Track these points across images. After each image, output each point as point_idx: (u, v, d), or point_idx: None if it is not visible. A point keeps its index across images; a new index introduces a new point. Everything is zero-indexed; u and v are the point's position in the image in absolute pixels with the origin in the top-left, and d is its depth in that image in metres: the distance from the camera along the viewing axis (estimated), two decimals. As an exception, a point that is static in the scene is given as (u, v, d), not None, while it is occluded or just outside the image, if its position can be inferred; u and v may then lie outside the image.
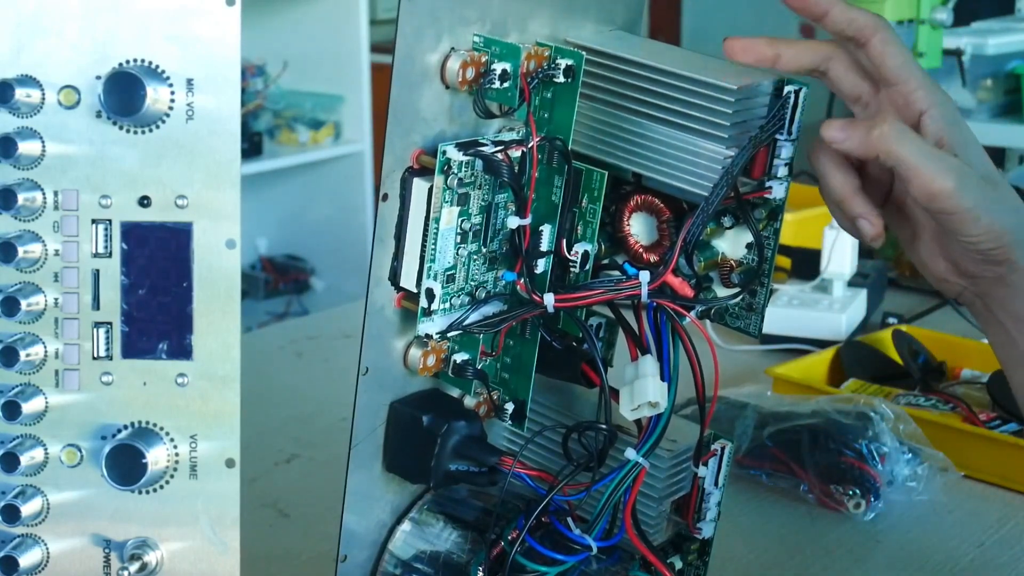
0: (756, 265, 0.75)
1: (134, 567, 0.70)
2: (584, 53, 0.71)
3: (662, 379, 0.70)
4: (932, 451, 1.07)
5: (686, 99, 0.71)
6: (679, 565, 0.79)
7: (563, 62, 0.70)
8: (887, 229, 0.74)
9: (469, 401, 0.75)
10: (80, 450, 0.70)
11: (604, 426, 0.71)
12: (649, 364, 0.70)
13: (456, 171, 0.68)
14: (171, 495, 0.70)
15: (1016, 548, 0.99)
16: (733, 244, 0.76)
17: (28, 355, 0.68)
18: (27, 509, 0.69)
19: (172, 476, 0.70)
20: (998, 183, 0.71)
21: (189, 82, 0.67)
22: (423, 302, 0.69)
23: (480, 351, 0.73)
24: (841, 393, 1.20)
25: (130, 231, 0.68)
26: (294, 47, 3.26)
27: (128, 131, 0.67)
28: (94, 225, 0.68)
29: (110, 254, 0.68)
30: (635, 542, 0.73)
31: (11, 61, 0.67)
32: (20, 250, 0.67)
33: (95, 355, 0.69)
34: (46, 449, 0.70)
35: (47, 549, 0.70)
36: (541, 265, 0.71)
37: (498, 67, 0.68)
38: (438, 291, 0.69)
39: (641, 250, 0.76)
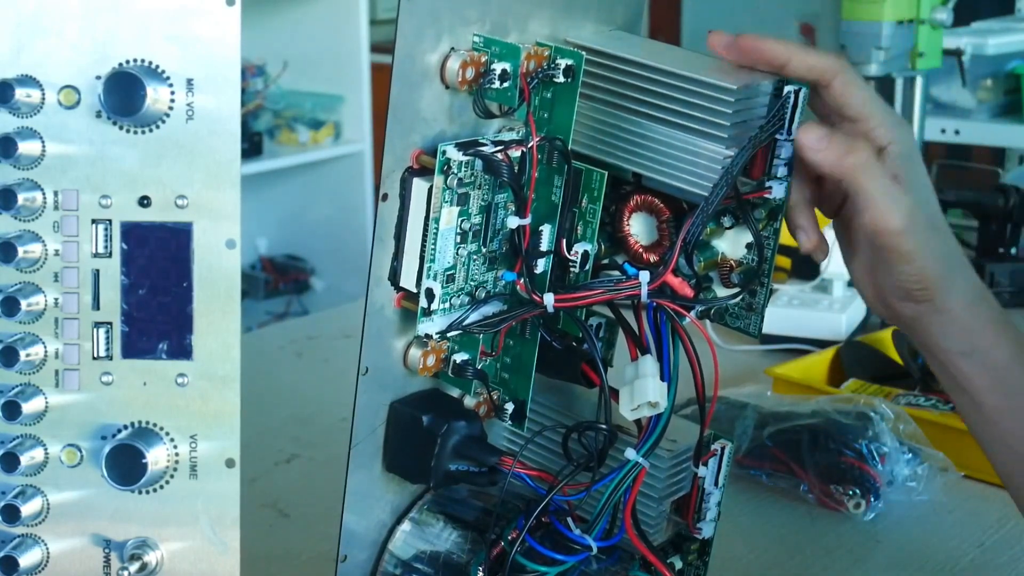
0: (756, 265, 0.75)
1: (134, 567, 0.70)
2: (584, 53, 0.71)
3: (662, 379, 0.70)
4: (932, 451, 1.07)
5: (686, 99, 0.71)
6: (679, 565, 0.79)
7: (563, 62, 0.70)
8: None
9: (469, 401, 0.75)
10: (80, 450, 0.70)
11: (604, 426, 0.71)
12: (649, 364, 0.70)
13: (456, 171, 0.68)
14: (171, 495, 0.70)
15: (1016, 548, 0.99)
16: (733, 244, 0.76)
17: (28, 355, 0.68)
18: (27, 509, 0.69)
19: (172, 476, 0.70)
20: (939, 228, 0.74)
21: (189, 82, 0.67)
22: (423, 302, 0.69)
23: (480, 351, 0.73)
24: (841, 393, 1.20)
25: (130, 231, 0.68)
26: (294, 47, 3.26)
27: (128, 131, 0.67)
28: (94, 225, 0.68)
29: (110, 254, 0.68)
30: (635, 542, 0.73)
31: (11, 61, 0.67)
32: (20, 250, 0.67)
33: (95, 355, 0.69)
34: (46, 449, 0.70)
35: (47, 549, 0.70)
36: (541, 265, 0.71)
37: (498, 67, 0.68)
38: (438, 291, 0.69)
39: (641, 250, 0.76)
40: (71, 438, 0.70)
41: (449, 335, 0.71)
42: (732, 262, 0.76)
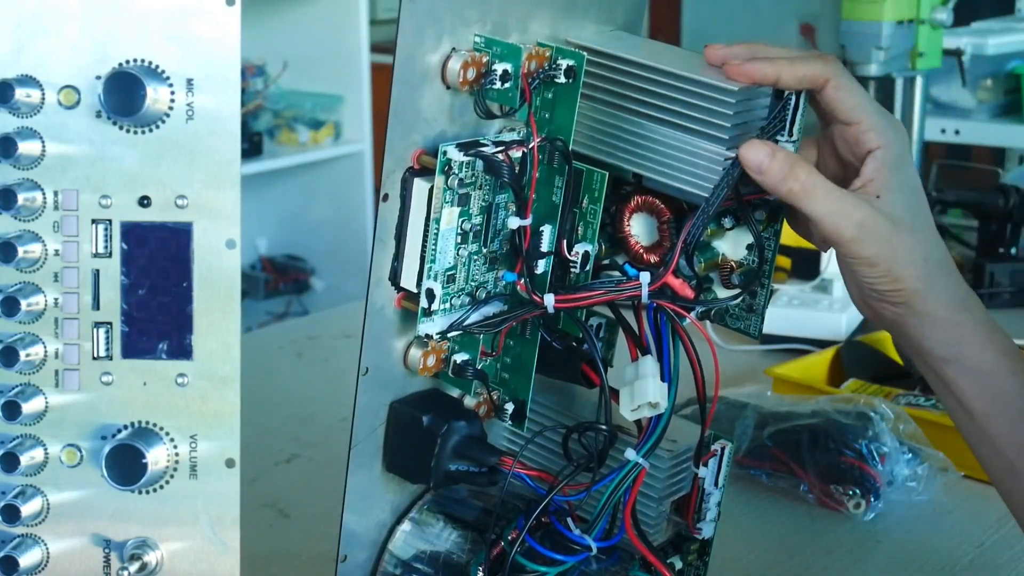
0: (756, 266, 0.75)
1: (134, 567, 0.70)
2: (585, 53, 0.71)
3: (662, 379, 0.70)
4: (932, 451, 1.07)
5: (687, 100, 0.71)
6: (679, 565, 0.79)
7: (564, 62, 0.70)
8: None
9: (469, 401, 0.75)
10: (80, 450, 0.70)
11: (604, 426, 0.71)
12: (649, 364, 0.70)
13: (457, 171, 0.68)
14: (171, 495, 0.70)
15: (1016, 548, 0.99)
16: (733, 245, 0.76)
17: (28, 355, 0.68)
18: (27, 509, 0.69)
19: (172, 476, 0.70)
20: (919, 230, 0.73)
21: (189, 82, 0.67)
22: (423, 302, 0.69)
23: (480, 351, 0.73)
24: (841, 393, 1.20)
25: (130, 231, 0.68)
26: (294, 47, 3.26)
27: (128, 131, 0.67)
28: (94, 225, 0.68)
29: (110, 254, 0.68)
30: (635, 542, 0.73)
31: (11, 61, 0.67)
32: (20, 250, 0.67)
33: (95, 355, 0.69)
34: (46, 449, 0.70)
35: (47, 549, 0.70)
36: (541, 265, 0.71)
37: (499, 67, 0.68)
38: (438, 291, 0.69)
39: (641, 251, 0.76)
40: (71, 438, 0.70)
41: (449, 335, 0.71)
42: (733, 263, 0.76)
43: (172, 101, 0.67)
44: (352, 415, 0.71)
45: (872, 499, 1.04)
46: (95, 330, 0.69)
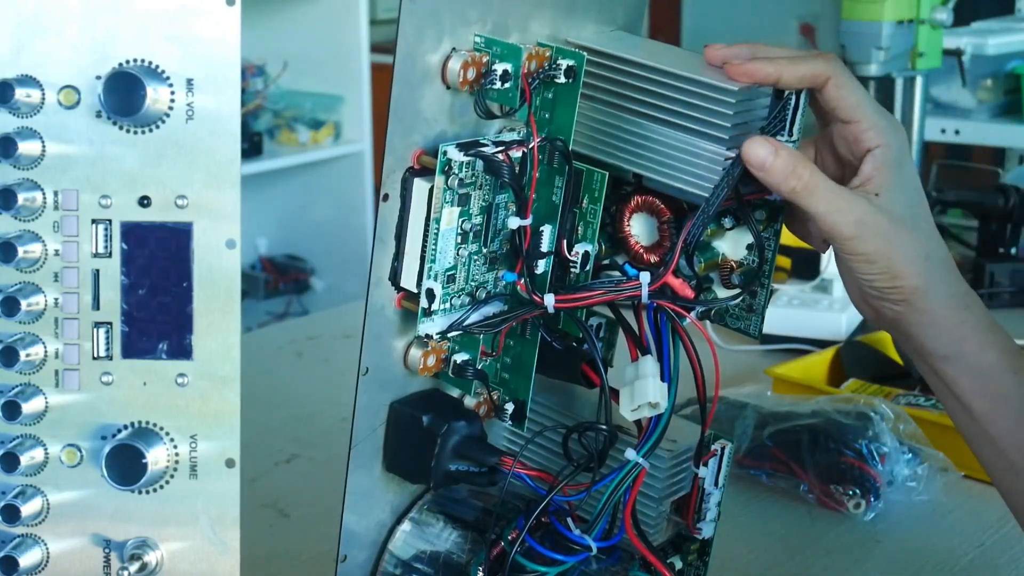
0: (756, 266, 0.75)
1: (134, 567, 0.70)
2: (585, 54, 0.71)
3: (662, 379, 0.70)
4: (932, 451, 1.07)
5: (687, 100, 0.71)
6: (679, 565, 0.79)
7: (564, 63, 0.70)
8: None
9: (469, 401, 0.75)
10: (80, 450, 0.70)
11: (604, 426, 0.71)
12: (649, 364, 0.70)
13: (457, 171, 0.68)
14: (171, 495, 0.70)
15: (1016, 548, 0.99)
16: (733, 245, 0.76)
17: (28, 355, 0.68)
18: (27, 509, 0.69)
19: (172, 476, 0.70)
20: (918, 228, 0.74)
21: (189, 82, 0.67)
22: (423, 302, 0.69)
23: (480, 351, 0.73)
24: (841, 393, 1.20)
25: (130, 231, 0.68)
26: (294, 47, 3.26)
27: (128, 131, 0.67)
28: (94, 225, 0.68)
29: (110, 254, 0.68)
30: (635, 542, 0.73)
31: (11, 61, 0.67)
32: (20, 250, 0.67)
33: (95, 355, 0.69)
34: (46, 449, 0.70)
35: (47, 549, 0.70)
36: (541, 266, 0.71)
37: (499, 67, 0.68)
38: (438, 291, 0.69)
39: (641, 251, 0.76)
40: (71, 438, 0.70)
41: (449, 335, 0.71)
42: (733, 263, 0.76)
43: (172, 101, 0.67)
44: (352, 415, 0.71)
45: (872, 499, 1.04)
46: (95, 330, 0.69)
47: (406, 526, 0.76)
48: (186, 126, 0.67)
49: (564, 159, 0.71)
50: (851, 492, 1.04)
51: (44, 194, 0.68)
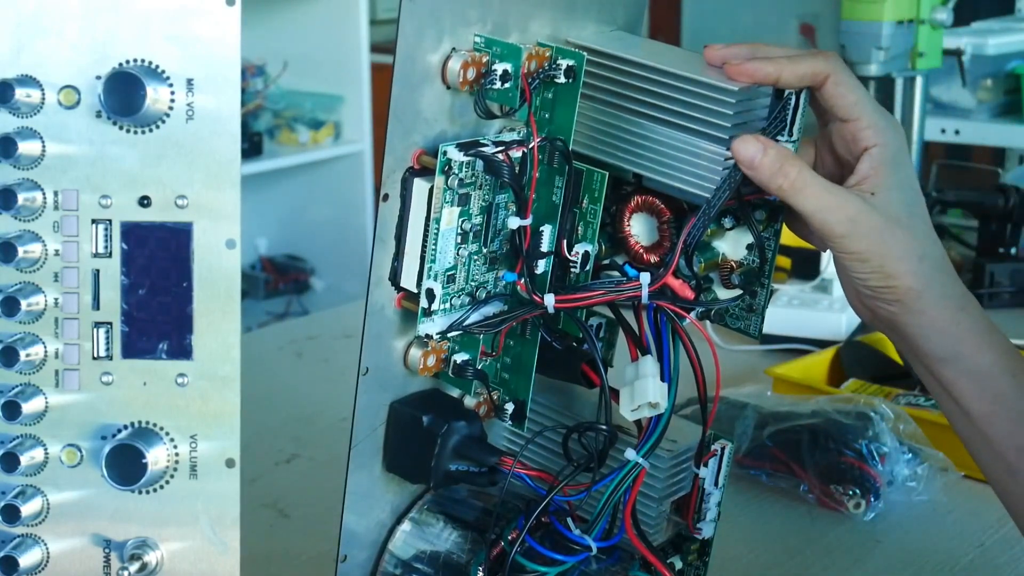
0: (757, 266, 0.75)
1: (134, 567, 0.70)
2: (585, 54, 0.71)
3: (662, 379, 0.70)
4: (932, 451, 1.07)
5: (687, 100, 0.71)
6: (679, 565, 0.79)
7: (564, 62, 0.70)
8: None
9: (469, 401, 0.75)
10: (80, 450, 0.70)
11: (604, 426, 0.71)
12: (649, 365, 0.70)
13: (457, 171, 0.68)
14: (171, 495, 0.70)
15: (1016, 548, 0.99)
16: (734, 245, 0.76)
17: (28, 355, 0.68)
18: (27, 509, 0.69)
19: (172, 476, 0.70)
20: (912, 228, 0.73)
21: (189, 82, 0.67)
22: (423, 302, 0.69)
23: (480, 351, 0.73)
24: (841, 393, 1.20)
25: (130, 231, 0.68)
26: (294, 47, 3.26)
27: (128, 131, 0.67)
28: (94, 225, 0.68)
29: (110, 254, 0.68)
30: (635, 542, 0.73)
31: (11, 61, 0.67)
32: (20, 250, 0.67)
33: (95, 355, 0.69)
34: (46, 449, 0.70)
35: (47, 549, 0.70)
36: (541, 266, 0.71)
37: (499, 67, 0.68)
38: (438, 291, 0.69)
39: (641, 251, 0.76)
40: (71, 438, 0.70)
41: (449, 335, 0.71)
42: (733, 263, 0.76)
43: (172, 101, 0.67)
44: (352, 415, 0.71)
45: (872, 499, 1.04)
46: (95, 330, 0.69)
47: (406, 526, 0.76)
48: (186, 126, 0.67)
49: (564, 159, 0.71)
50: (851, 492, 1.04)
51: (44, 194, 0.68)
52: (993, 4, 2.95)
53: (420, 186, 0.68)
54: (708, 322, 0.80)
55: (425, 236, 0.68)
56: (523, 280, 0.71)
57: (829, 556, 0.99)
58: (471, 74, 0.68)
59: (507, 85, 0.69)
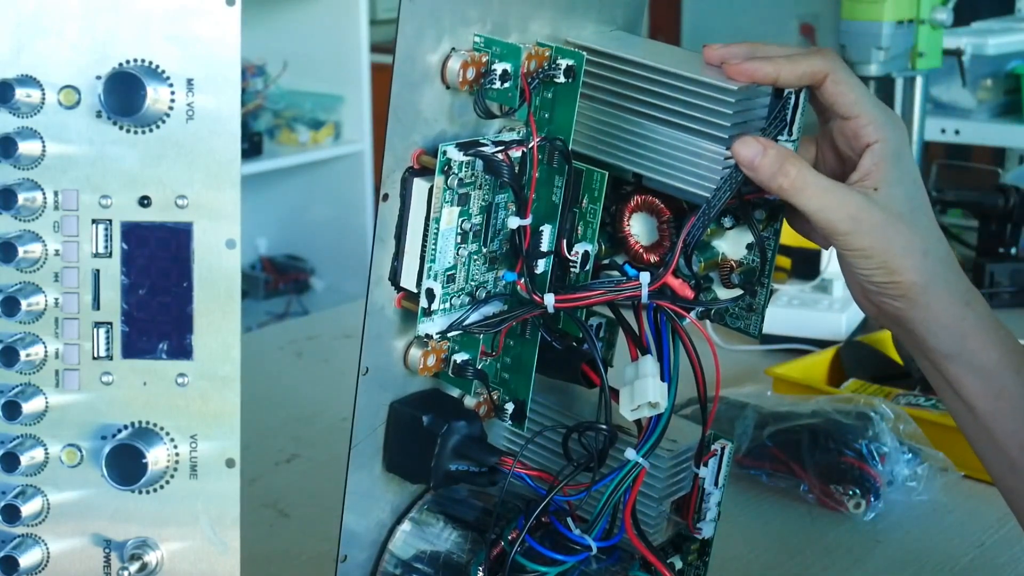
0: (757, 266, 0.75)
1: (134, 567, 0.70)
2: (585, 53, 0.71)
3: (662, 379, 0.70)
4: (932, 451, 1.07)
5: (687, 99, 0.71)
6: (679, 565, 0.79)
7: (564, 62, 0.70)
8: None
9: (469, 401, 0.75)
10: (80, 450, 0.70)
11: (604, 426, 0.71)
12: (649, 364, 0.70)
13: (456, 171, 0.68)
14: (171, 495, 0.70)
15: (1016, 548, 0.99)
16: (733, 244, 0.76)
17: (28, 355, 0.68)
18: (27, 509, 0.69)
19: (172, 476, 0.70)
20: (915, 223, 0.73)
21: (189, 82, 0.67)
22: (423, 302, 0.69)
23: (480, 351, 0.73)
24: (841, 393, 1.20)
25: (130, 231, 0.68)
26: (294, 47, 3.26)
27: (128, 131, 0.67)
28: (94, 225, 0.68)
29: (110, 254, 0.68)
30: (635, 542, 0.73)
31: (11, 61, 0.67)
32: (20, 250, 0.67)
33: (95, 355, 0.69)
34: (46, 449, 0.70)
35: (47, 549, 0.70)
36: (541, 265, 0.71)
37: (499, 67, 0.68)
38: (438, 291, 0.69)
39: (641, 250, 0.76)
40: (71, 438, 0.70)
41: (449, 335, 0.71)
42: (732, 262, 0.76)
43: (172, 101, 0.67)
44: (352, 415, 0.71)
45: (872, 499, 1.04)
46: (95, 330, 0.69)
47: (406, 526, 0.76)
48: (186, 126, 0.67)
49: (564, 159, 0.71)
50: (851, 492, 1.04)
51: (44, 194, 0.68)
52: (993, 4, 2.95)
53: (420, 186, 0.68)
54: (708, 322, 0.80)
55: (425, 236, 0.68)
56: (523, 280, 0.71)
57: (829, 556, 0.99)
58: (471, 74, 0.68)
59: (507, 85, 0.69)
